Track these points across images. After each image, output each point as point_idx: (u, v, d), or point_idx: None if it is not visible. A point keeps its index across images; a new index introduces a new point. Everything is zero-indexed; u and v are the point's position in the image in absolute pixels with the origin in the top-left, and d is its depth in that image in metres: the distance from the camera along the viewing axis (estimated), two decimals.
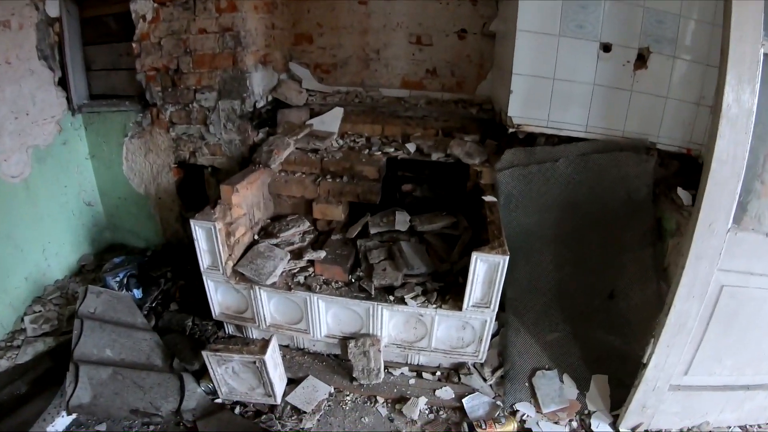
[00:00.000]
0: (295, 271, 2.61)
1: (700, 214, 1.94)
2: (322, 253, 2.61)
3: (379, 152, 2.90)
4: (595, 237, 2.84)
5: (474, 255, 2.24)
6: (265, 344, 2.42)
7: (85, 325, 2.64)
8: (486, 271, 2.29)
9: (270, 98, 3.03)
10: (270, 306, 2.63)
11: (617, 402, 2.49)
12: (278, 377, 2.54)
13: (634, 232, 2.79)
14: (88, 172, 3.41)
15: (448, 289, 2.51)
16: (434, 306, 2.43)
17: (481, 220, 2.60)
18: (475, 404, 2.49)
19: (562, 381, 2.61)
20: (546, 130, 2.76)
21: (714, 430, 2.46)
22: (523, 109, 2.72)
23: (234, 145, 3.01)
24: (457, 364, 2.68)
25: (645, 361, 2.24)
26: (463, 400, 2.49)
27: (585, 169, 2.78)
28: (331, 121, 3.04)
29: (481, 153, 2.85)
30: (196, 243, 2.52)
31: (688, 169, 2.79)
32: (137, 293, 3.07)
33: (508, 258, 2.24)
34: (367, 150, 2.93)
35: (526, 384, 2.59)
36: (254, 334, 2.82)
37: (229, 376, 2.50)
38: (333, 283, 2.56)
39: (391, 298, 2.47)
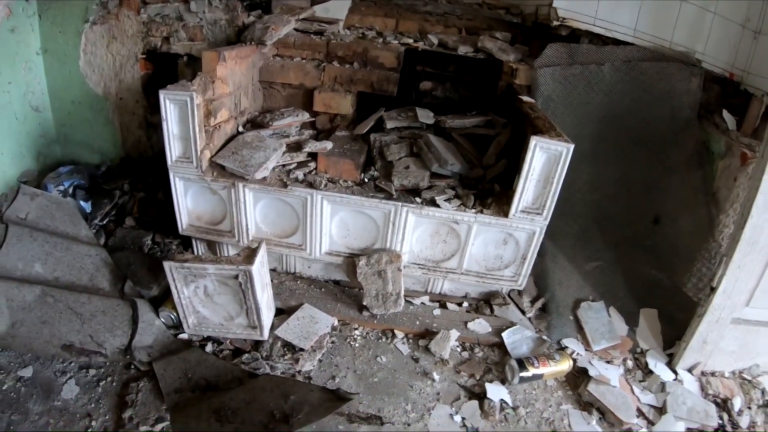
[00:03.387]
0: (292, 166, 1.72)
1: None
2: (329, 144, 1.72)
3: (396, 42, 2.05)
4: (638, 155, 2.13)
5: (533, 141, 1.46)
6: (251, 253, 1.52)
7: (10, 232, 1.72)
8: (544, 164, 1.52)
9: None
10: (256, 212, 1.73)
11: (667, 340, 1.83)
12: (265, 304, 1.64)
13: (679, 153, 2.11)
14: (39, 70, 2.35)
15: (484, 196, 1.70)
16: (474, 211, 1.61)
17: (519, 121, 1.81)
18: (516, 339, 1.69)
19: (609, 315, 1.86)
20: (593, 28, 2.07)
21: (762, 373, 1.84)
22: (570, 1, 1.98)
23: (219, 27, 2.07)
24: (488, 294, 1.88)
25: (714, 284, 1.62)
26: (503, 334, 1.70)
27: (630, 78, 2.10)
28: (337, 9, 2.16)
29: (515, 51, 2.06)
30: (164, 124, 1.58)
31: (728, 96, 2.26)
32: (85, 207, 2.07)
33: (572, 148, 1.48)
34: (381, 40, 2.07)
35: (570, 317, 1.83)
36: (231, 253, 1.88)
37: (199, 300, 1.58)
38: (341, 182, 1.69)
39: (418, 200, 1.63)
